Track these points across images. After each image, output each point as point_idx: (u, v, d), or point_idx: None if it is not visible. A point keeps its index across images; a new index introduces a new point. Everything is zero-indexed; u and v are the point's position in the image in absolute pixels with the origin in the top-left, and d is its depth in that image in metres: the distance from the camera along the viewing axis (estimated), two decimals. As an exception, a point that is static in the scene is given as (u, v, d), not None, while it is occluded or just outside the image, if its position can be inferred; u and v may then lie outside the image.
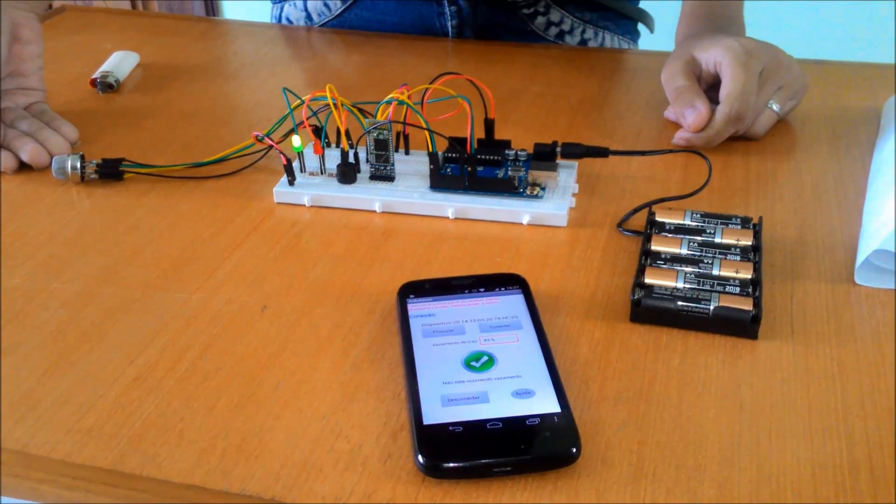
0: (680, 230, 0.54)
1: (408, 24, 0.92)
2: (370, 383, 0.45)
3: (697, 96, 0.66)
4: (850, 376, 0.45)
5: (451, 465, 0.39)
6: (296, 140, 0.60)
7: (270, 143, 0.61)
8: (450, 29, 0.92)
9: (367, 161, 0.61)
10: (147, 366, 0.46)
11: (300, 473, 0.40)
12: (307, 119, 0.59)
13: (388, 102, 0.58)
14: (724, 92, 0.64)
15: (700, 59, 0.68)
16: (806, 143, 0.69)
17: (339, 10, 0.94)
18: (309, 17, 0.97)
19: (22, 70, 0.70)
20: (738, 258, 0.51)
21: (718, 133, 0.65)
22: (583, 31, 0.93)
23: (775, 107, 0.68)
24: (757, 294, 0.48)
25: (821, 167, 0.65)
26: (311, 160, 0.63)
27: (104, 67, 0.80)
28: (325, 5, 0.94)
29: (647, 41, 1.01)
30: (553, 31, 0.92)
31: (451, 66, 0.84)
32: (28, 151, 0.65)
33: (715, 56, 0.66)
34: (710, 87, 0.68)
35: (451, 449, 0.39)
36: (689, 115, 0.65)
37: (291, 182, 0.61)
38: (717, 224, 0.54)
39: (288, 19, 0.99)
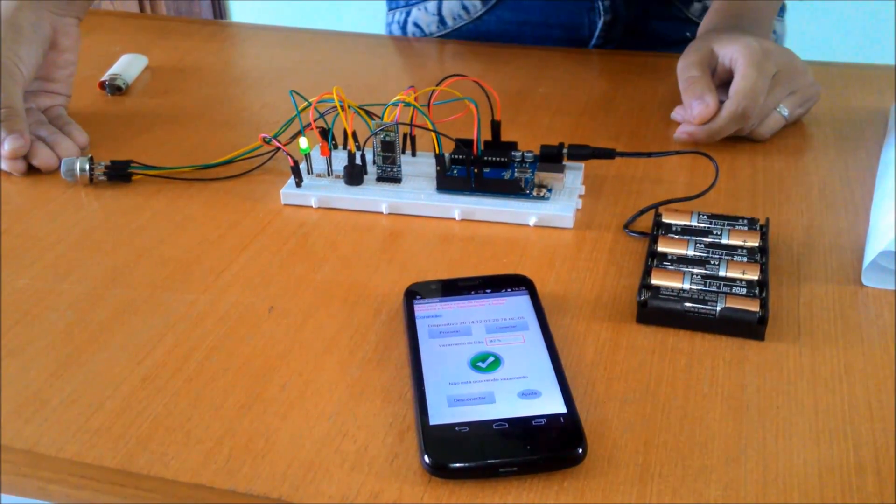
0: (686, 231, 0.54)
1: (553, 22, 0.88)
2: (377, 384, 0.45)
3: (707, 89, 0.65)
4: (857, 378, 0.45)
5: (458, 465, 0.39)
6: (303, 142, 0.60)
7: (278, 144, 0.61)
8: (599, 26, 0.87)
9: (374, 163, 0.61)
10: (155, 366, 0.46)
11: (307, 473, 0.40)
12: (314, 121, 0.60)
13: (395, 104, 0.58)
14: (734, 88, 0.64)
15: (717, 53, 0.68)
16: (813, 144, 0.69)
17: (479, 13, 0.89)
18: (442, 21, 0.91)
19: (53, 76, 0.71)
20: (745, 259, 0.51)
21: (721, 128, 0.65)
22: None
23: (784, 111, 0.67)
24: (764, 295, 0.48)
25: (828, 168, 0.65)
26: (318, 162, 0.63)
27: (113, 70, 0.81)
28: (464, 7, 0.89)
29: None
30: None
31: (458, 68, 0.84)
32: (40, 158, 0.65)
33: (732, 52, 0.66)
34: (724, 84, 0.68)
35: (457, 449, 0.39)
36: (696, 105, 0.65)
37: (298, 184, 0.61)
38: (723, 225, 0.54)
39: (416, 24, 0.93)
